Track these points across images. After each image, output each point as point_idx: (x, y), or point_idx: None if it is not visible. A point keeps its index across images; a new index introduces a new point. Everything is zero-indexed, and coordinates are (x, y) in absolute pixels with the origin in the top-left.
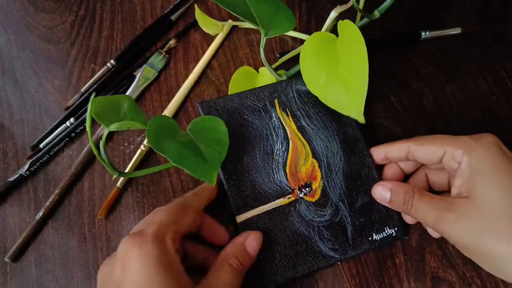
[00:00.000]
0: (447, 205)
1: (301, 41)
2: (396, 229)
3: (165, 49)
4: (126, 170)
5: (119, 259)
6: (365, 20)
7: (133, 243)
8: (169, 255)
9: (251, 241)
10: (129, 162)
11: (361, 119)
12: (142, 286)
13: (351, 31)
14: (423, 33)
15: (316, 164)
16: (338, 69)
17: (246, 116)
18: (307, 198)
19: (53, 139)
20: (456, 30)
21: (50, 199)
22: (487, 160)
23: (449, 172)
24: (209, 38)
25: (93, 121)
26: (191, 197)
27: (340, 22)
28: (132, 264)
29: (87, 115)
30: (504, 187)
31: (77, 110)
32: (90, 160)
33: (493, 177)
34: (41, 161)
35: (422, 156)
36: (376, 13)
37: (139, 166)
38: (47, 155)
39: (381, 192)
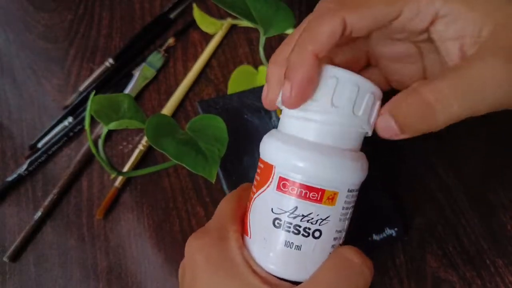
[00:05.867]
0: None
1: None
2: (396, 229)
3: (163, 48)
4: (125, 170)
5: (186, 265)
6: None
7: (196, 247)
8: (234, 254)
9: None
10: (127, 162)
11: None
12: None
13: None
14: None
15: None
16: None
17: (246, 116)
18: None
19: (52, 138)
20: None
21: (49, 199)
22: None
23: (413, 38)
24: (208, 37)
25: (91, 120)
26: None
27: None
28: (199, 274)
29: (87, 113)
30: None
31: (76, 109)
32: (88, 159)
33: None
34: (39, 160)
35: (364, 22)
36: None
37: (137, 165)
38: (46, 155)
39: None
